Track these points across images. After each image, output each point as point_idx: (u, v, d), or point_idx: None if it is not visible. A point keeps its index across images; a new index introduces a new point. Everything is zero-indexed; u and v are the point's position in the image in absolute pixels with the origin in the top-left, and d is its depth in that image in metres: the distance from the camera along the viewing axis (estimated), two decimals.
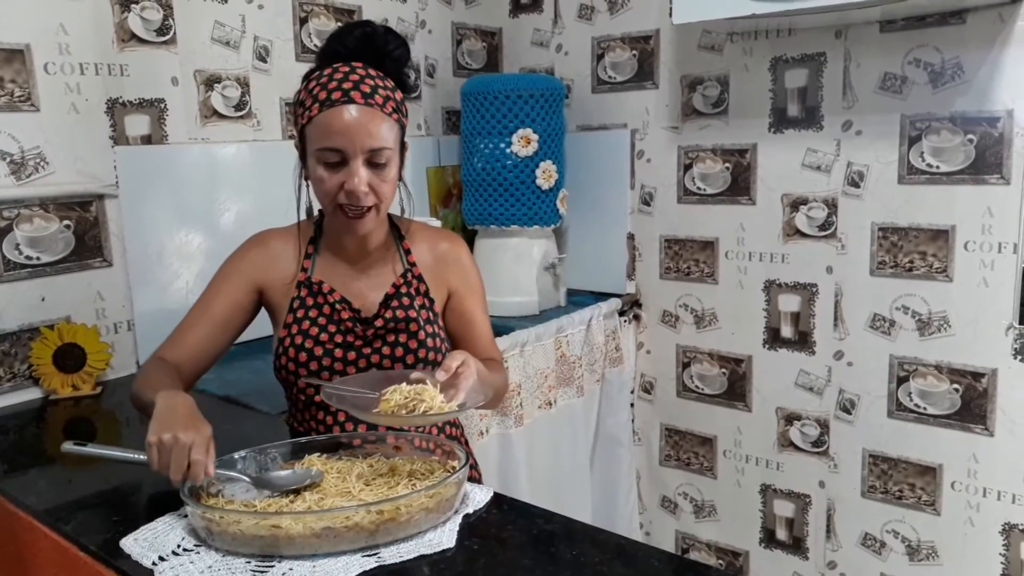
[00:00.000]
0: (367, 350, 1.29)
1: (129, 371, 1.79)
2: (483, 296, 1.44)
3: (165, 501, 1.05)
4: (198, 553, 0.94)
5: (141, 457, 1.02)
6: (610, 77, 2.45)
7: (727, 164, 2.25)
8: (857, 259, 2.07)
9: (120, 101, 1.75)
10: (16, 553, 1.18)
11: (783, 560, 2.32)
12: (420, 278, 1.35)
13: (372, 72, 1.23)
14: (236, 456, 1.08)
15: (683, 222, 2.37)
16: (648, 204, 2.43)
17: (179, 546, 0.95)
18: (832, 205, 2.09)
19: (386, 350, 1.29)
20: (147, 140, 1.81)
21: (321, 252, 1.34)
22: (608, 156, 2.46)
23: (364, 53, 1.26)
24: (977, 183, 1.87)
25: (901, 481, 2.08)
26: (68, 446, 1.08)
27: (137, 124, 1.79)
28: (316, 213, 1.36)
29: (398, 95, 1.26)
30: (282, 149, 2.03)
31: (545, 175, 2.27)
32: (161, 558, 0.93)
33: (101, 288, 1.75)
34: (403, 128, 1.27)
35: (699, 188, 2.32)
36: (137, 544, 0.97)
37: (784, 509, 2.30)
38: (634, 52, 2.39)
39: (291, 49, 2.08)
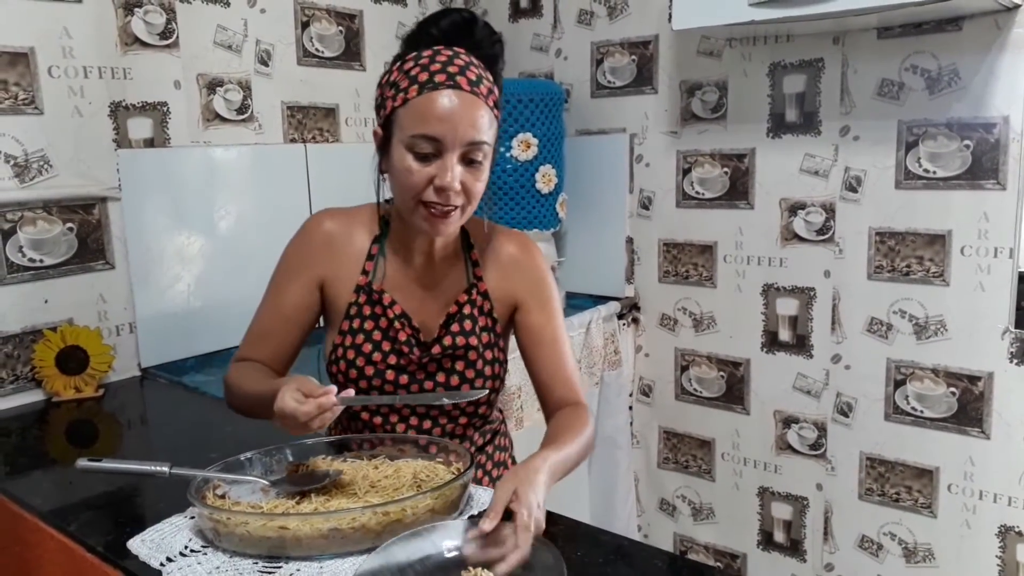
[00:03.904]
0: (421, 375, 1.20)
1: (131, 373, 1.80)
2: (556, 312, 1.26)
3: (171, 502, 1.06)
4: (205, 554, 0.95)
5: (157, 469, 1.03)
6: (609, 82, 2.47)
7: (725, 169, 2.27)
8: (854, 263, 2.08)
9: (123, 104, 1.76)
10: (21, 554, 1.18)
11: (781, 562, 2.33)
12: (485, 295, 1.23)
13: (476, 61, 1.11)
14: (243, 457, 1.09)
15: (681, 226, 2.38)
16: (647, 208, 2.44)
17: (186, 547, 0.96)
18: (830, 210, 2.10)
19: (440, 377, 1.20)
20: (150, 143, 1.82)
21: (386, 254, 1.21)
22: (607, 160, 2.48)
23: (457, 41, 1.12)
24: (973, 188, 1.89)
25: (898, 484, 2.09)
26: (83, 462, 1.05)
27: (140, 127, 1.80)
28: (382, 206, 1.22)
29: (497, 91, 1.13)
30: (284, 152, 2.05)
31: (544, 179, 2.28)
32: (169, 559, 0.94)
33: (103, 291, 1.75)
34: (499, 127, 1.15)
35: (698, 192, 2.33)
36: (145, 545, 0.98)
37: (782, 511, 2.31)
38: (633, 57, 2.41)
39: (293, 53, 2.09)
